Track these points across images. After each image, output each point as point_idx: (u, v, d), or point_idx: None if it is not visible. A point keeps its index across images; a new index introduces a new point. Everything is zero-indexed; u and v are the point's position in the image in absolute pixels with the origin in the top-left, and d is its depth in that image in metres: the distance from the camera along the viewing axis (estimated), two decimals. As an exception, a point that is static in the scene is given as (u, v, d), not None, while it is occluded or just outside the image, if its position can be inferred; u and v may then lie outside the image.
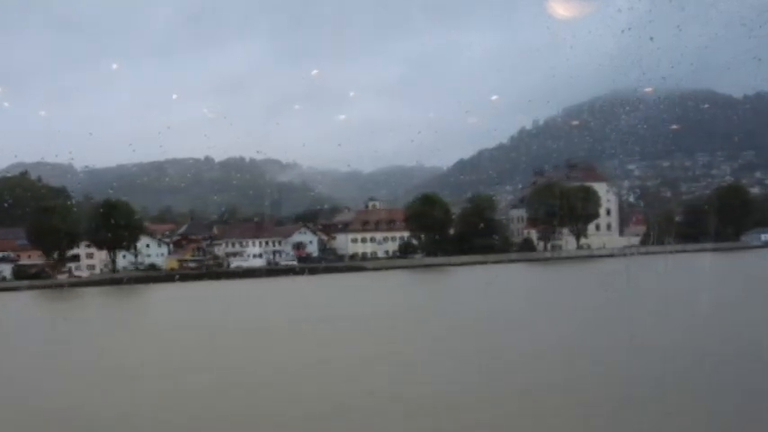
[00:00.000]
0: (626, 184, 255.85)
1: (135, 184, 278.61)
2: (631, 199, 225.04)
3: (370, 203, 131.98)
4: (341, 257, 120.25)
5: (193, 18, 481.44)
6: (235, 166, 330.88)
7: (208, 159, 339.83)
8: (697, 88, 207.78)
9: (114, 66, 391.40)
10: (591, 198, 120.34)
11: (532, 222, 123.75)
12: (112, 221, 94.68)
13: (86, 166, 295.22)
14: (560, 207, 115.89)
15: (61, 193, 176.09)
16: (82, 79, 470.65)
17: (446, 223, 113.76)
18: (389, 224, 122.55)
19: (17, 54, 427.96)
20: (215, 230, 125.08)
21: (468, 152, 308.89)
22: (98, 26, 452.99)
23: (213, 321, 37.78)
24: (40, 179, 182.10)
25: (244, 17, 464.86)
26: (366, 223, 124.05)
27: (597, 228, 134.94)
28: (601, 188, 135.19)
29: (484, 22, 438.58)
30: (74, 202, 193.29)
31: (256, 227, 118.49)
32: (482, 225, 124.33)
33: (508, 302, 42.95)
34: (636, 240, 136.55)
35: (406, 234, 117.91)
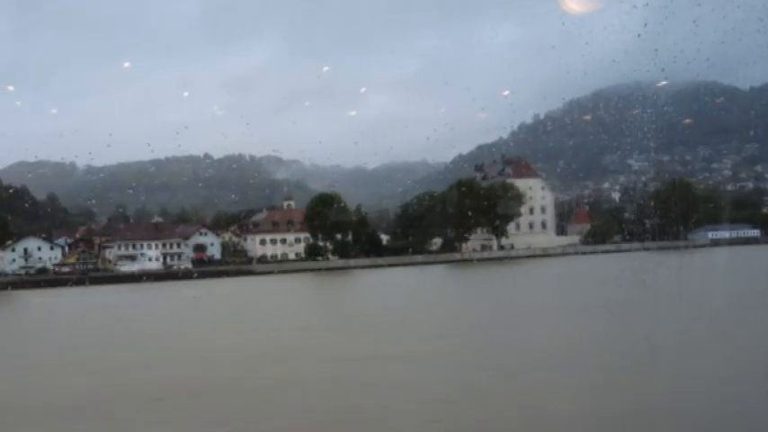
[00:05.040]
0: (621, 179, 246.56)
1: (137, 181, 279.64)
2: (614, 195, 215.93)
3: (285, 203, 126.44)
4: (249, 260, 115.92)
5: (207, 16, 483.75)
6: (234, 163, 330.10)
7: (207, 156, 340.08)
8: (702, 81, 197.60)
9: (126, 64, 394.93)
10: (512, 196, 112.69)
11: (451, 222, 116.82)
12: None
13: (88, 165, 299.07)
14: (475, 206, 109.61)
15: (23, 193, 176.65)
16: (93, 78, 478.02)
17: (347, 224, 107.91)
18: (302, 225, 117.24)
19: (30, 53, 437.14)
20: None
21: (471, 147, 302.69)
22: (111, 25, 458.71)
23: None
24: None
25: (257, 14, 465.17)
26: (276, 224, 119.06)
27: (531, 226, 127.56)
28: (535, 185, 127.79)
29: (499, 18, 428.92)
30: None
31: (155, 228, 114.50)
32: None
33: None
34: (576, 239, 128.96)
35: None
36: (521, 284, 59.83)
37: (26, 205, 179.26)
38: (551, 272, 79.56)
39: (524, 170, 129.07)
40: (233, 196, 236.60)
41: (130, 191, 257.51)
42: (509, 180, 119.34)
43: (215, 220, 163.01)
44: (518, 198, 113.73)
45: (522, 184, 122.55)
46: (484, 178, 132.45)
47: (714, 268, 62.72)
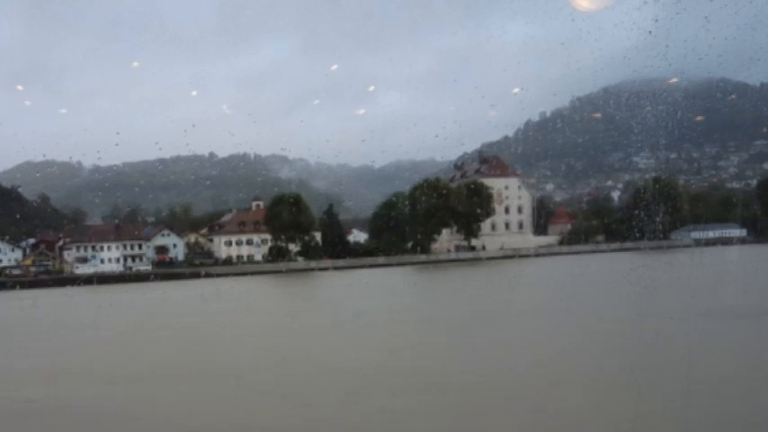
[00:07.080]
0: (625, 177, 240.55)
1: (143, 180, 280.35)
2: (613, 194, 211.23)
3: (254, 203, 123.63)
4: (216, 261, 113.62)
5: (218, 15, 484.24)
6: (239, 161, 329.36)
7: (212, 155, 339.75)
8: (713, 77, 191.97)
9: (134, 64, 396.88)
10: (481, 195, 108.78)
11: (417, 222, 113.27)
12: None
13: (94, 165, 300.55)
14: (440, 205, 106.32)
15: (14, 194, 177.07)
16: (103, 77, 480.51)
17: (308, 225, 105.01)
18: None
19: (41, 53, 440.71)
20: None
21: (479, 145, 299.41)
22: (123, 24, 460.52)
23: None
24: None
25: (267, 13, 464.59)
26: (243, 224, 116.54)
27: (507, 226, 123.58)
28: (512, 184, 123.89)
29: (509, 15, 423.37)
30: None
31: (116, 229, 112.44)
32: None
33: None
34: (554, 240, 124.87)
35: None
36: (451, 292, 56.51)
37: (34, 205, 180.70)
38: (497, 276, 75.53)
39: (501, 169, 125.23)
40: (241, 195, 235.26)
41: (137, 189, 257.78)
42: (482, 179, 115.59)
43: (197, 221, 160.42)
44: (488, 197, 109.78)
45: (497, 183, 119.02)
46: (463, 176, 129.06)
47: (682, 268, 58.89)
